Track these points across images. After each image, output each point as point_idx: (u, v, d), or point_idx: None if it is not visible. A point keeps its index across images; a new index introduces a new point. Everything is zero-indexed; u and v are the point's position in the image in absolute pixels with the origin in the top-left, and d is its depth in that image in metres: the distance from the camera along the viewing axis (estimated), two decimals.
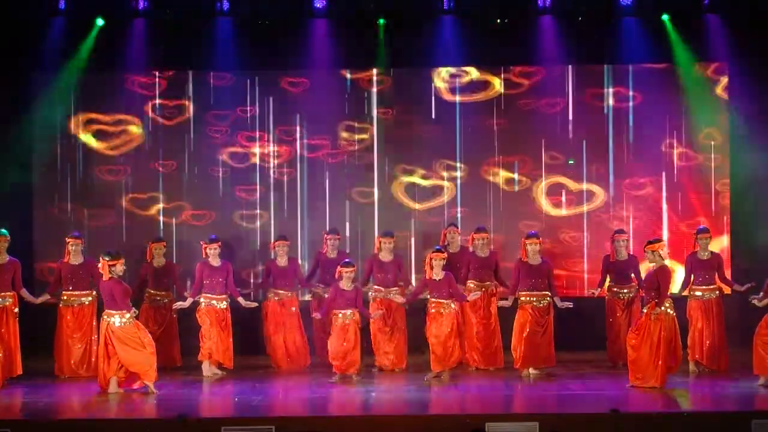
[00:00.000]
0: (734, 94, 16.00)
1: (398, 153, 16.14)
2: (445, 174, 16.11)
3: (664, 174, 16.11)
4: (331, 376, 13.68)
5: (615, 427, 11.00)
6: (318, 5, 15.89)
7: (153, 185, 16.11)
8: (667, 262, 13.21)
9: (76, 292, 14.24)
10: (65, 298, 14.24)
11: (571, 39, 15.92)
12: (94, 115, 16.10)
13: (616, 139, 16.15)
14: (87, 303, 14.28)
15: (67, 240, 14.39)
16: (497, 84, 16.10)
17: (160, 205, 16.10)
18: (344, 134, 16.16)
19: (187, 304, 14.14)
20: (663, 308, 12.78)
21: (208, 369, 14.09)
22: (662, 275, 12.79)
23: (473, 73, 16.13)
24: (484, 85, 16.15)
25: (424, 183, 16.11)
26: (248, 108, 16.13)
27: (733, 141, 16.06)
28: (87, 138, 16.08)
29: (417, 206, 16.10)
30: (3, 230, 13.91)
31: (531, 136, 16.11)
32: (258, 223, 16.10)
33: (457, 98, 16.14)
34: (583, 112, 16.14)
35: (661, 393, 12.53)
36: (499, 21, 15.95)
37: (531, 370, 13.81)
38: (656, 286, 12.76)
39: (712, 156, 16.08)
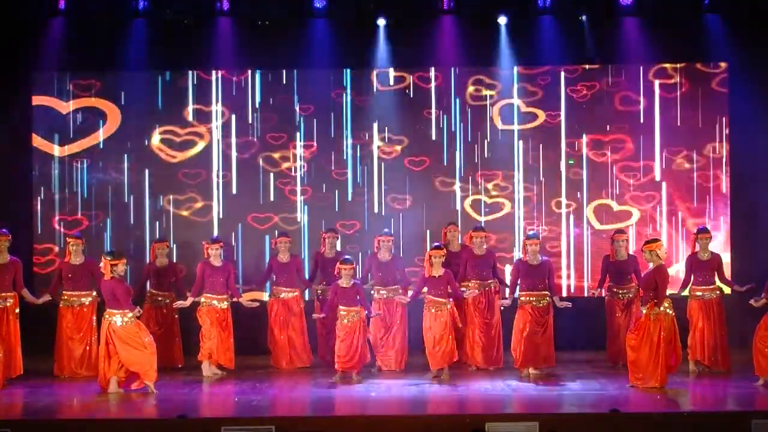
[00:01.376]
0: (734, 94, 15.99)
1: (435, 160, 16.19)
2: (490, 186, 16.13)
3: (664, 176, 16.11)
4: (331, 375, 13.69)
5: (615, 427, 11.00)
6: (318, 5, 15.89)
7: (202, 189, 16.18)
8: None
9: (77, 293, 14.22)
10: (65, 298, 14.23)
11: (572, 39, 15.93)
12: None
13: (618, 140, 16.16)
14: (87, 303, 14.26)
15: (68, 240, 14.41)
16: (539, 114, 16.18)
17: (199, 204, 16.15)
18: (379, 142, 16.17)
19: (187, 303, 14.14)
20: (662, 308, 12.77)
21: (208, 369, 14.09)
22: (660, 275, 12.79)
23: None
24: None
25: (488, 200, 16.13)
26: (272, 109, 16.16)
27: (733, 141, 16.05)
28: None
29: (483, 219, 16.05)
30: (3, 229, 13.91)
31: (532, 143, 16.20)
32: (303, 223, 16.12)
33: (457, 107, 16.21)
34: (587, 111, 16.17)
35: (661, 393, 12.52)
36: (499, 21, 15.97)
37: (531, 370, 13.80)
38: (654, 286, 12.76)
39: (712, 156, 16.07)
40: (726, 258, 15.44)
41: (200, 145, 16.12)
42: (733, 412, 11.66)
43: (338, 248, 15.05)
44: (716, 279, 14.04)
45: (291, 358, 14.68)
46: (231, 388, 13.32)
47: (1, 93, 15.85)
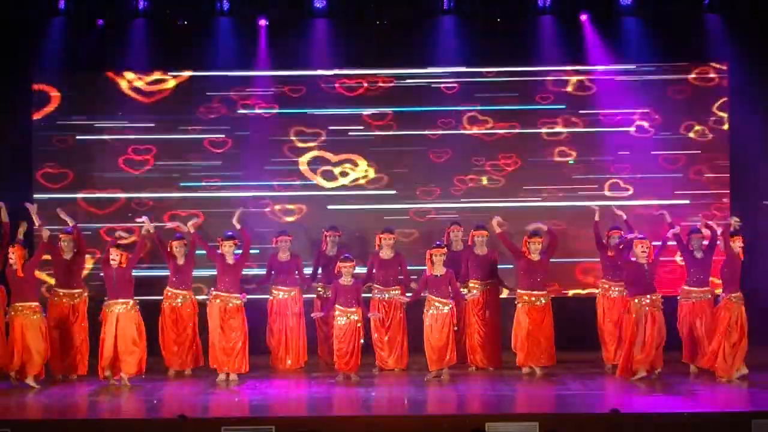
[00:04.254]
0: (734, 94, 15.99)
1: None
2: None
3: (665, 177, 16.12)
4: (331, 375, 13.69)
5: (615, 427, 11.01)
6: (318, 5, 15.90)
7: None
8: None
9: (68, 291, 14.11)
10: (56, 294, 14.12)
11: (572, 39, 15.93)
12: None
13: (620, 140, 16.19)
14: (77, 301, 14.11)
15: (60, 236, 14.26)
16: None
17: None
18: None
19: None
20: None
21: (224, 378, 13.91)
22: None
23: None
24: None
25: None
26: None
27: (733, 141, 16.05)
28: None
29: None
30: None
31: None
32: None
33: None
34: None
35: (660, 393, 12.55)
36: (498, 20, 15.97)
37: (536, 368, 13.80)
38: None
39: (712, 157, 16.07)
40: None
41: None
42: (733, 412, 11.66)
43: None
44: (710, 280, 13.99)
45: (290, 358, 14.66)
46: (231, 388, 13.32)
47: (1, 92, 15.85)
